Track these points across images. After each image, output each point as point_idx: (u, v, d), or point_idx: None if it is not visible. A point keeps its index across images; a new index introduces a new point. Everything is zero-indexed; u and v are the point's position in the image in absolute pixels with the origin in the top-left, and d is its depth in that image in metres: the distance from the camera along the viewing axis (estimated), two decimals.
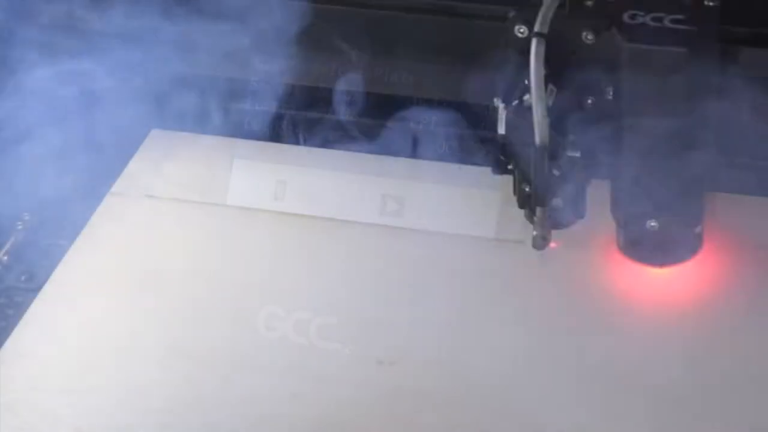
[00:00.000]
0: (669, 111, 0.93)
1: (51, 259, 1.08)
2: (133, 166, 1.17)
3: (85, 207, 1.12)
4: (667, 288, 1.02)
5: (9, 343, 1.00)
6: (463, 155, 1.12)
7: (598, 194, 1.00)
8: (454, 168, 1.13)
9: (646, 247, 1.01)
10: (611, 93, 0.94)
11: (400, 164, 1.14)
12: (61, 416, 0.93)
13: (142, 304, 1.03)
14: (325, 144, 1.14)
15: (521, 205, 0.99)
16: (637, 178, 0.96)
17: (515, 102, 0.94)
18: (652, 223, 0.98)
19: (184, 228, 1.10)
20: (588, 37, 0.93)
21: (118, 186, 1.14)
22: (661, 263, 1.02)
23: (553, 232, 0.98)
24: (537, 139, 0.92)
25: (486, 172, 1.11)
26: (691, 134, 0.94)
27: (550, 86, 0.93)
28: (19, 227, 1.11)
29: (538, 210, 0.96)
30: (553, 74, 0.93)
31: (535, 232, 0.97)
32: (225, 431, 0.93)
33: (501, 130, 0.95)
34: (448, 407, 0.94)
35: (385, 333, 0.99)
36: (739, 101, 0.97)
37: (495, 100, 0.95)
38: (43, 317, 1.02)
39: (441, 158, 1.14)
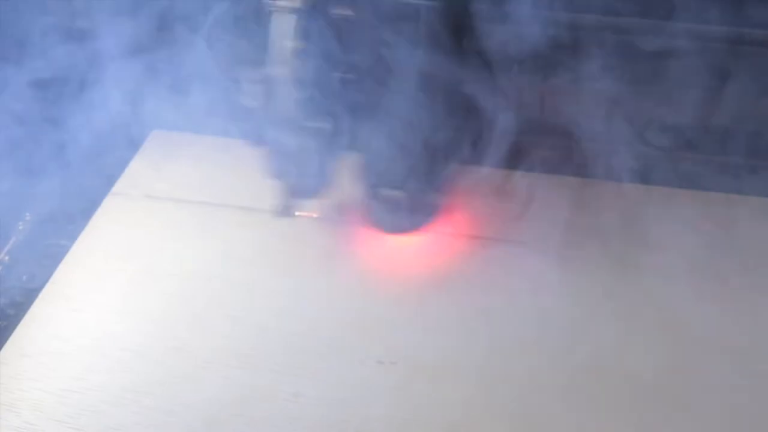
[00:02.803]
0: (405, 89, 0.95)
1: (51, 259, 1.08)
2: (133, 166, 1.17)
3: (86, 207, 1.12)
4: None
5: (10, 342, 1.00)
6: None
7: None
8: (455, 168, 1.13)
9: (390, 215, 1.05)
10: (359, 68, 0.96)
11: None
12: (61, 416, 0.94)
13: (142, 304, 1.03)
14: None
15: (272, 175, 1.00)
16: (380, 149, 0.99)
17: (264, 73, 0.95)
18: (392, 193, 1.02)
19: (184, 228, 1.10)
20: (342, 11, 0.94)
21: (118, 186, 1.14)
22: (404, 231, 1.07)
23: None
24: (284, 111, 0.94)
25: (486, 172, 1.11)
26: (428, 107, 0.97)
27: (303, 59, 0.94)
28: (20, 227, 1.11)
29: (286, 179, 0.99)
30: (308, 46, 0.94)
31: (280, 201, 1.00)
32: (225, 431, 0.93)
33: (250, 101, 0.96)
34: (448, 407, 0.94)
35: (385, 333, 0.99)
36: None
37: (241, 71, 0.96)
38: (44, 317, 1.02)
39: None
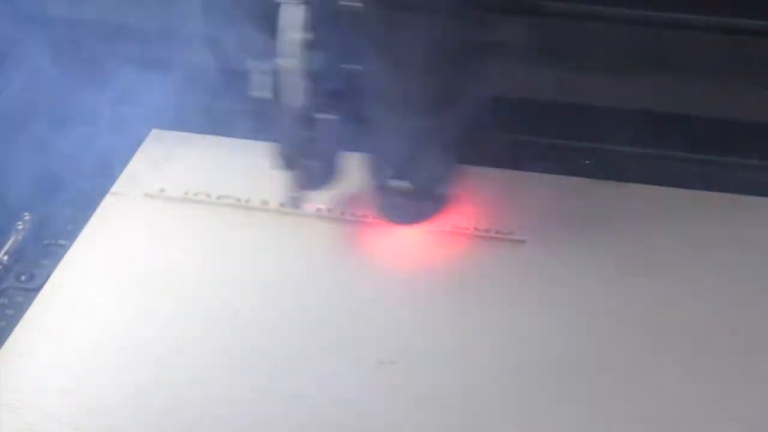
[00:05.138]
0: (411, 78, 0.97)
1: (51, 259, 1.08)
2: (133, 165, 1.17)
3: (85, 207, 1.12)
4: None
5: (9, 343, 0.99)
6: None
7: None
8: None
9: (397, 207, 1.06)
10: (365, 58, 0.97)
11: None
12: (61, 416, 0.93)
13: (142, 304, 1.02)
14: None
15: (284, 167, 1.02)
16: (385, 140, 1.02)
17: (271, 64, 0.96)
18: (399, 184, 1.03)
19: (184, 228, 1.10)
20: (349, 2, 0.96)
21: (118, 186, 1.14)
22: (410, 222, 1.08)
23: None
24: (292, 102, 0.95)
25: (487, 172, 1.11)
26: (434, 99, 0.98)
27: (313, 50, 0.95)
28: (19, 227, 1.11)
29: (295, 171, 1.01)
30: (314, 37, 0.95)
31: (290, 194, 1.02)
32: (225, 431, 0.92)
33: (256, 92, 0.97)
34: (448, 407, 0.94)
35: (385, 333, 0.99)
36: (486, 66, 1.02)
37: (249, 61, 0.97)
38: (43, 317, 1.02)
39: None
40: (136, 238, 1.09)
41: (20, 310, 1.03)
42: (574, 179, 1.11)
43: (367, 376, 0.96)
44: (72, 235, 1.09)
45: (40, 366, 0.97)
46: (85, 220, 1.11)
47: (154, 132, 1.20)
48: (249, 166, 1.14)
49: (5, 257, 1.08)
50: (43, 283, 1.05)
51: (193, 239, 1.09)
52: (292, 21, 0.93)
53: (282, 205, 1.09)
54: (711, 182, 1.10)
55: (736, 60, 1.08)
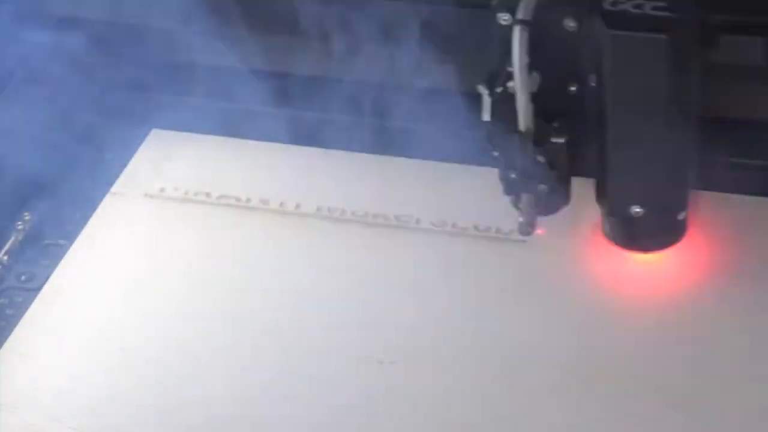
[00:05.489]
0: (651, 98, 0.94)
1: (51, 259, 1.08)
2: (133, 165, 1.17)
3: (85, 207, 1.12)
4: (652, 275, 1.03)
5: (9, 343, 1.00)
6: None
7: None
8: (455, 167, 1.13)
9: (631, 233, 1.02)
10: (594, 80, 0.95)
11: (400, 163, 1.14)
12: (61, 416, 0.93)
13: (142, 304, 1.03)
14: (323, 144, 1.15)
15: (506, 192, 1.00)
16: (621, 165, 0.98)
17: (499, 89, 0.95)
18: (636, 209, 0.99)
19: (184, 228, 1.10)
20: (570, 24, 0.94)
21: (118, 186, 1.14)
22: (646, 249, 1.03)
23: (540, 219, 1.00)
24: (521, 126, 0.93)
25: (486, 170, 1.11)
26: (673, 121, 0.95)
27: (535, 73, 0.93)
28: (19, 227, 1.11)
29: (524, 197, 0.98)
30: (537, 61, 0.93)
31: (520, 219, 0.98)
32: (225, 431, 0.92)
33: (486, 117, 0.96)
34: (448, 407, 0.94)
35: (385, 333, 0.99)
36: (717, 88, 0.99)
37: (479, 87, 0.96)
38: (43, 317, 1.02)
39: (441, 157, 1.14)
40: (136, 238, 1.09)
41: (20, 310, 1.03)
42: (574, 179, 1.11)
43: (367, 376, 0.96)
44: (72, 235, 1.10)
45: (40, 366, 0.98)
46: (85, 220, 1.11)
47: (154, 132, 1.20)
48: (249, 166, 1.14)
49: (5, 257, 1.08)
50: (43, 283, 1.05)
51: (193, 239, 1.09)
52: (520, 44, 0.91)
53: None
54: (712, 182, 1.10)
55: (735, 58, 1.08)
